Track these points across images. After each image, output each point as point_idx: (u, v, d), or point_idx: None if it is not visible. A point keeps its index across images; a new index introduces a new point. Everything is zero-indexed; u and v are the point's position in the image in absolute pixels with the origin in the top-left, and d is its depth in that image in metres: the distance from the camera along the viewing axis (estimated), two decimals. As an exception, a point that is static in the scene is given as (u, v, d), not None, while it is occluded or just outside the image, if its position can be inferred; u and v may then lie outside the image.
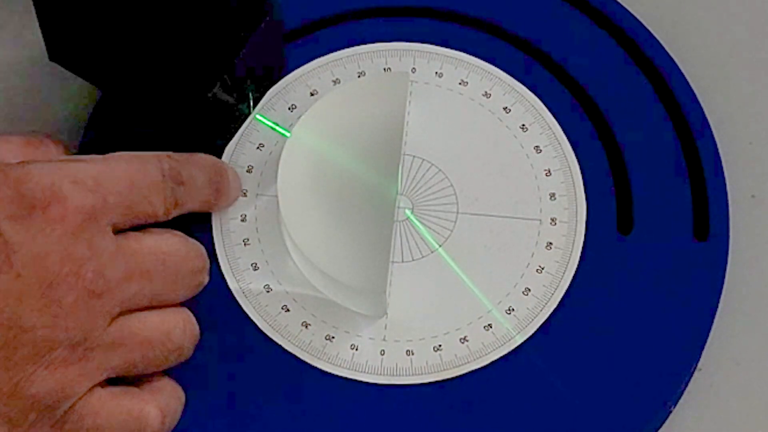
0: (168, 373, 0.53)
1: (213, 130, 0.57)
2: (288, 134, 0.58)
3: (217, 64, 0.55)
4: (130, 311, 0.50)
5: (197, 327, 0.52)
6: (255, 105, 0.59)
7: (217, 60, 0.55)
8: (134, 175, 0.50)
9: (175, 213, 0.52)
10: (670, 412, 0.55)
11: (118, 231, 0.50)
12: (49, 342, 0.47)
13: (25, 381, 0.47)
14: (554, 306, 0.55)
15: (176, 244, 0.51)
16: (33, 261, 0.46)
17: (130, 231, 0.50)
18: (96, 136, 0.59)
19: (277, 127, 0.59)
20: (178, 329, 0.51)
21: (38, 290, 0.46)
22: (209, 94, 0.55)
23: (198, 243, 0.53)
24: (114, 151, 0.52)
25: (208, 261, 0.53)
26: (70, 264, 0.47)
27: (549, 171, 0.58)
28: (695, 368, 0.55)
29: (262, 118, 0.60)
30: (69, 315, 0.47)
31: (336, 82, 0.61)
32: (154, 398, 0.50)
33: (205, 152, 0.57)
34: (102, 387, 0.49)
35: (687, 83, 0.60)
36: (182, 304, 0.52)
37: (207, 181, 0.54)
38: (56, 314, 0.47)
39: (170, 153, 0.53)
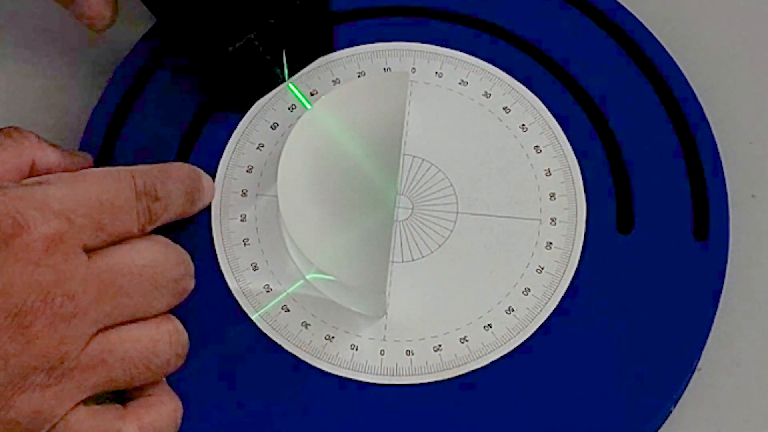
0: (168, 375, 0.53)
1: (238, 85, 0.59)
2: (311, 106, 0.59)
3: (247, 23, 0.57)
4: (111, 327, 0.49)
5: (185, 335, 0.51)
6: (292, 74, 0.60)
7: (248, 18, 0.57)
8: (104, 194, 0.49)
9: (149, 228, 0.51)
10: (670, 412, 0.55)
11: (92, 249, 0.49)
12: (22, 369, 0.46)
13: (2, 407, 0.46)
14: (554, 306, 0.55)
15: (154, 253, 0.50)
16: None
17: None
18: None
19: (304, 100, 0.60)
20: (163, 341, 0.50)
21: (6, 320, 0.46)
22: (230, 48, 0.56)
23: (179, 248, 0.52)
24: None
25: (191, 266, 0.52)
26: (37, 292, 0.46)
27: (549, 171, 0.58)
28: (695, 368, 0.55)
29: (293, 87, 0.60)
30: (40, 341, 0.47)
31: (336, 82, 0.61)
32: (136, 416, 0.50)
33: (234, 104, 0.59)
34: (84, 404, 0.49)
35: (687, 83, 0.60)
36: (180, 305, 0.52)
37: (182, 192, 0.54)
38: (27, 341, 0.46)
39: (145, 167, 0.52)
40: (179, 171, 0.54)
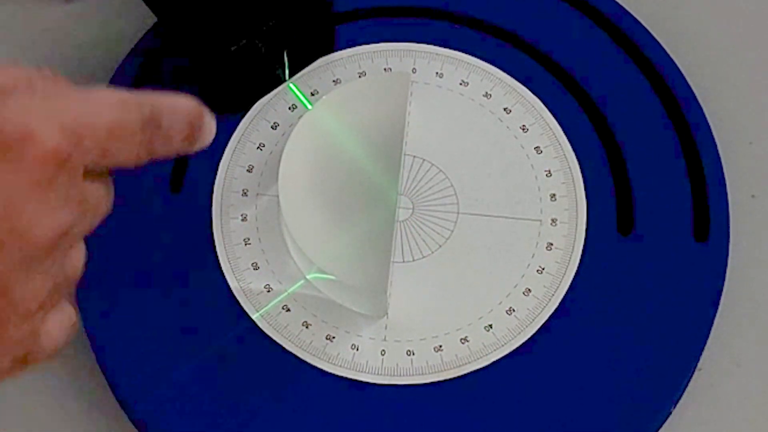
0: (167, 370, 0.53)
1: (239, 85, 0.59)
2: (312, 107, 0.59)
3: (249, 23, 0.57)
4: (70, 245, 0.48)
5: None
6: (293, 74, 0.60)
7: (250, 18, 0.57)
8: (115, 121, 0.47)
9: (145, 162, 0.49)
10: (670, 412, 0.55)
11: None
12: (25, 301, 0.45)
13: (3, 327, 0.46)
14: (555, 306, 0.55)
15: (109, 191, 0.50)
16: (3, 209, 0.44)
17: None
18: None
19: (305, 100, 0.60)
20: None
21: (14, 252, 0.44)
22: (232, 48, 0.56)
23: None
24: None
25: None
26: (44, 218, 0.45)
27: (549, 171, 0.58)
28: (695, 368, 0.55)
29: (294, 87, 0.60)
30: (43, 274, 0.45)
31: (337, 82, 0.61)
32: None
33: (234, 105, 0.59)
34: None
35: (687, 83, 0.61)
36: (181, 304, 0.52)
37: (184, 128, 0.51)
38: (33, 272, 0.45)
39: (155, 97, 0.49)
40: (186, 107, 0.51)
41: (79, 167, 0.46)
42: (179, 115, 0.51)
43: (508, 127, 0.59)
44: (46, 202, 0.45)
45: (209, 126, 0.53)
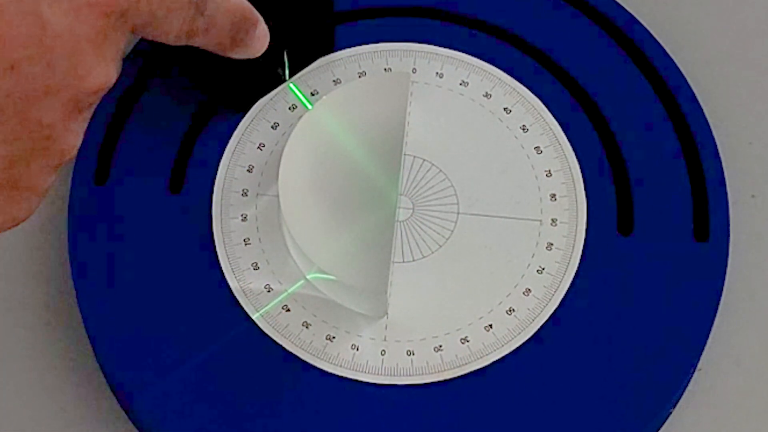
0: (167, 370, 0.53)
1: (239, 85, 0.59)
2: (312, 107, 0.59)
3: None
4: None
5: None
6: (293, 74, 0.60)
7: None
8: None
9: (182, 42, 0.50)
10: (670, 412, 0.55)
11: None
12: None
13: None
14: (555, 307, 0.55)
15: None
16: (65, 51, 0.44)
17: None
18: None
19: (305, 100, 0.60)
20: None
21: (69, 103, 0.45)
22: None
23: None
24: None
25: None
26: (97, 61, 0.45)
27: (549, 172, 0.58)
28: (695, 368, 0.55)
29: (294, 87, 0.60)
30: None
31: (336, 82, 0.61)
32: None
33: (235, 104, 0.60)
34: None
35: (687, 83, 0.61)
36: (181, 304, 0.52)
37: (228, 24, 0.51)
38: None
39: None
40: (233, 5, 0.52)
41: (129, 26, 0.46)
42: (224, 9, 0.50)
43: (508, 127, 0.59)
44: (101, 52, 0.45)
45: (260, 34, 0.53)
